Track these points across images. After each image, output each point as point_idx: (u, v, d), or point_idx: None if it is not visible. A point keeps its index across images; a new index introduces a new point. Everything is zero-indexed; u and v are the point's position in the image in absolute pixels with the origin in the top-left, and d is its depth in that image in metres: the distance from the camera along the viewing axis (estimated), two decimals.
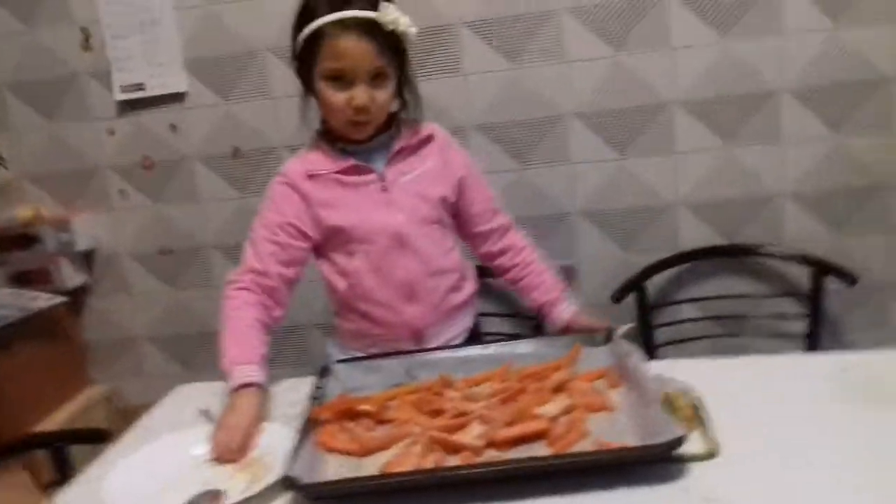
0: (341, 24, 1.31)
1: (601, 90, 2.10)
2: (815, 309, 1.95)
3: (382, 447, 1.09)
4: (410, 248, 1.44)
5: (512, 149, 2.17)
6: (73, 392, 2.40)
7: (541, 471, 0.99)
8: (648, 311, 2.03)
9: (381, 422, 1.17)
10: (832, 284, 1.94)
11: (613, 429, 1.09)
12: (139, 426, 1.35)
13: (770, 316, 2.07)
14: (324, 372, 1.31)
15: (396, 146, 1.45)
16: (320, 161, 1.44)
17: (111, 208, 2.40)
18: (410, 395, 1.23)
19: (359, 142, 1.44)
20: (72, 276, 2.38)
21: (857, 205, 2.09)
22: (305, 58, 1.37)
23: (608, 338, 1.33)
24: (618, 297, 1.98)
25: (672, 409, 1.07)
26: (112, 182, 2.38)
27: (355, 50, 1.32)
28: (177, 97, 2.29)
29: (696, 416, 1.10)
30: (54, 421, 2.24)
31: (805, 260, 1.98)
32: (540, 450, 1.05)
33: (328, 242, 1.45)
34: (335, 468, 1.05)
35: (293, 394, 1.35)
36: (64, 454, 1.46)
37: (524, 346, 1.37)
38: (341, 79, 1.34)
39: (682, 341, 2.09)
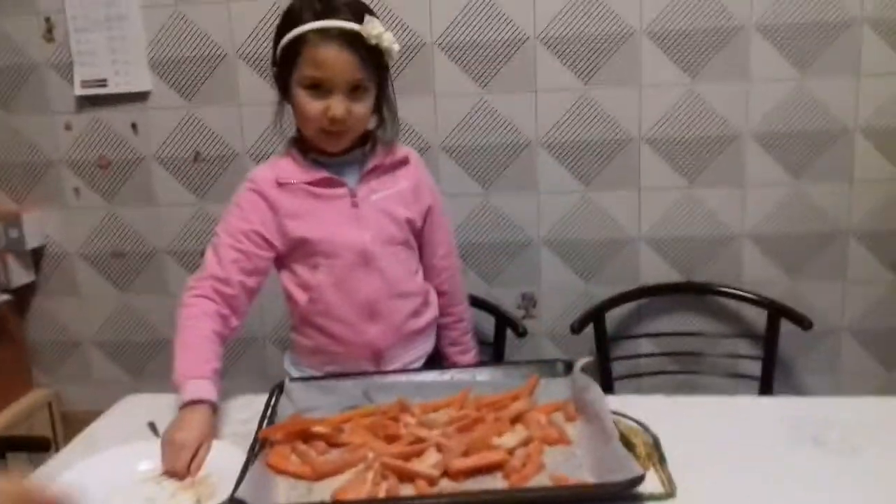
0: (324, 32, 1.30)
1: (568, 121, 2.10)
2: (770, 351, 1.97)
3: (335, 472, 1.06)
4: (375, 267, 1.43)
5: (478, 173, 2.16)
6: (15, 395, 2.32)
7: (497, 503, 0.98)
8: (606, 343, 2.03)
9: (335, 445, 1.15)
10: (787, 327, 1.96)
11: (569, 463, 1.08)
12: (84, 436, 1.30)
13: (725, 355, 2.09)
14: (277, 390, 1.28)
15: (371, 163, 1.44)
16: (291, 170, 1.42)
17: (64, 206, 2.33)
18: (365, 419, 1.21)
19: (332, 154, 1.42)
20: (18, 274, 2.29)
21: (815, 250, 2.12)
22: (285, 64, 1.35)
23: (567, 369, 1.33)
24: (577, 327, 1.97)
25: (629, 447, 1.07)
26: (66, 179, 2.31)
27: (336, 60, 1.31)
28: (139, 96, 2.23)
29: (652, 455, 1.10)
30: None
31: (761, 302, 2.00)
32: (496, 482, 1.04)
33: (292, 253, 1.43)
34: (285, 491, 1.02)
35: (245, 411, 1.31)
36: (2, 461, 1.39)
37: (482, 374, 1.36)
38: (319, 88, 1.33)
39: (637, 375, 2.10)
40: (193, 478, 1.08)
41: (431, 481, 1.02)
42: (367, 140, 1.46)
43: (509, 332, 2.01)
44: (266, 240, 1.40)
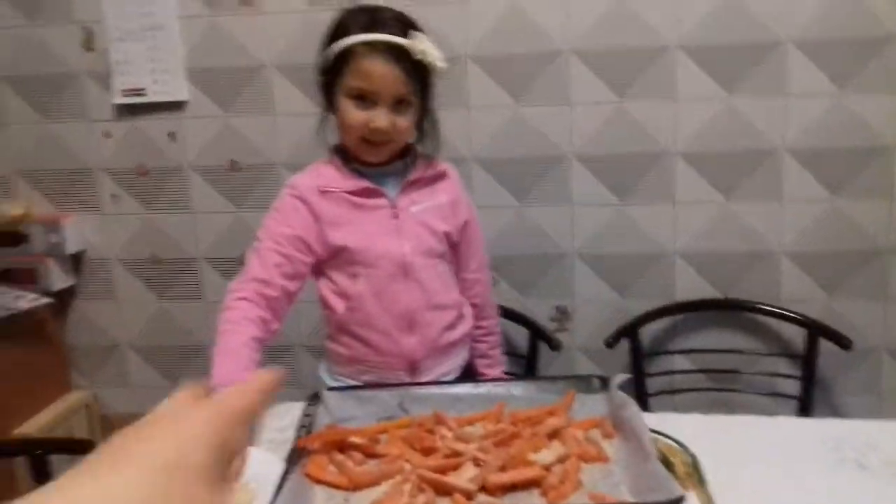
0: (372, 45, 1.32)
1: (603, 134, 2.10)
2: (809, 370, 1.94)
3: (372, 483, 1.06)
4: (414, 279, 1.44)
5: (512, 185, 2.16)
6: (54, 397, 2.35)
7: None
8: (641, 359, 2.01)
9: (371, 455, 1.14)
10: (826, 346, 1.93)
11: (607, 481, 1.07)
12: None
13: (762, 373, 2.06)
14: (313, 399, 1.28)
15: (411, 176, 1.46)
16: (333, 178, 1.43)
17: (103, 212, 2.36)
18: (402, 430, 1.21)
19: (373, 165, 1.43)
20: (59, 278, 2.33)
21: (854, 268, 2.09)
22: (331, 73, 1.37)
23: (603, 386, 1.32)
24: (611, 342, 1.96)
25: (667, 466, 1.05)
26: (105, 185, 2.34)
27: (382, 72, 1.33)
28: (177, 105, 2.26)
29: (692, 475, 1.09)
30: (33, 425, 2.19)
31: (800, 320, 1.97)
32: (533, 498, 1.03)
33: (331, 261, 1.44)
34: (323, 501, 1.02)
35: (281, 419, 1.32)
36: (44, 463, 1.41)
37: (518, 389, 1.35)
38: (364, 99, 1.35)
39: (672, 392, 2.07)
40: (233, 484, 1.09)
41: (469, 496, 1.01)
42: (407, 153, 1.47)
43: (542, 345, 2.00)
44: (307, 245, 1.41)
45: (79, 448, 1.59)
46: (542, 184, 2.15)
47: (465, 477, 1.06)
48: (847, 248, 2.08)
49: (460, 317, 1.54)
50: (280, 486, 0.98)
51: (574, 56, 2.06)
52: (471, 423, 1.25)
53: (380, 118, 1.34)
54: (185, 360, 2.42)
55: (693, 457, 1.13)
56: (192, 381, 0.42)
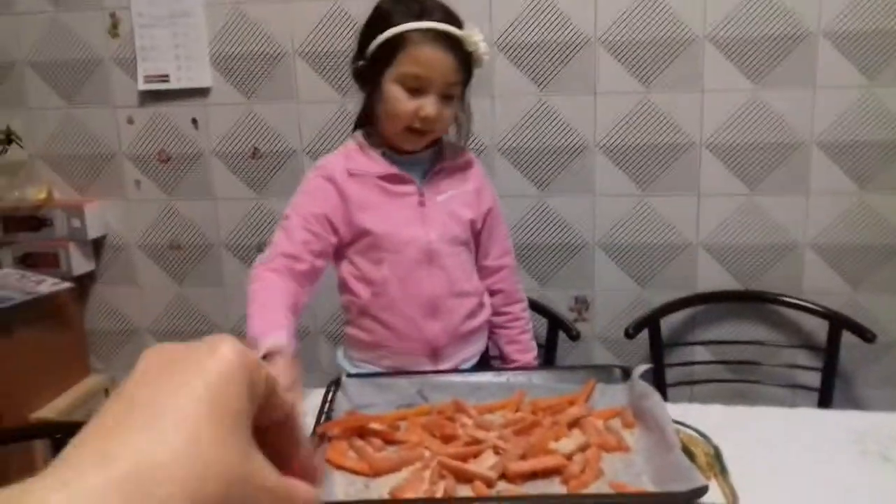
0: (428, 33, 1.33)
1: (627, 124, 2.08)
2: (830, 362, 1.92)
3: (392, 469, 1.06)
4: (438, 266, 1.44)
5: (534, 174, 2.15)
6: (73, 381, 2.36)
7: None
8: (660, 349, 2.00)
9: (391, 442, 1.14)
10: (847, 339, 1.92)
11: (629, 471, 1.06)
12: None
13: (783, 365, 2.05)
14: (333, 386, 1.28)
15: (438, 165, 1.46)
16: (362, 161, 1.43)
17: (125, 198, 2.37)
18: (421, 418, 1.21)
19: (403, 152, 1.43)
20: (80, 263, 2.35)
21: (880, 263, 2.07)
22: (378, 60, 1.37)
23: (625, 376, 1.31)
24: (632, 332, 1.95)
25: (689, 457, 1.05)
26: (128, 171, 2.36)
27: (438, 61, 1.34)
28: (200, 92, 2.27)
29: (713, 465, 1.08)
30: (52, 409, 2.20)
31: (823, 312, 1.95)
32: (553, 486, 1.02)
33: (355, 244, 1.44)
34: (343, 487, 1.03)
35: (301, 405, 1.32)
36: (65, 446, 1.42)
37: (538, 377, 1.35)
38: (416, 87, 1.35)
39: (691, 383, 2.07)
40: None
41: (489, 483, 1.01)
42: (436, 141, 1.48)
43: (561, 335, 1.99)
44: (333, 226, 1.42)
45: None
46: (564, 174, 2.14)
47: (485, 465, 1.05)
48: (873, 241, 2.06)
49: (481, 305, 1.54)
50: None
51: (601, 46, 2.05)
52: (491, 411, 1.25)
53: (429, 106, 1.35)
54: None
55: (715, 447, 1.12)
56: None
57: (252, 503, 0.33)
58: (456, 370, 1.43)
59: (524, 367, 1.58)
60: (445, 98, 1.37)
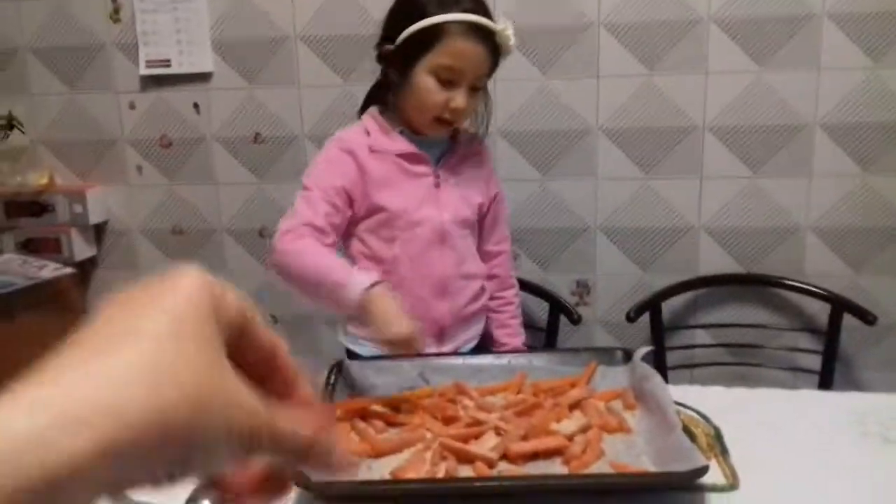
0: (467, 26, 1.33)
1: (631, 108, 2.08)
2: (831, 345, 1.93)
3: (394, 450, 1.07)
4: (449, 246, 1.47)
5: (536, 158, 2.14)
6: None
7: (557, 489, 0.97)
8: (662, 332, 2.01)
9: (393, 424, 1.15)
10: (848, 322, 1.92)
11: (630, 452, 1.07)
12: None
13: (783, 348, 2.06)
14: (335, 369, 1.29)
15: (453, 148, 1.49)
16: (382, 139, 1.44)
17: (126, 183, 2.37)
18: (423, 400, 1.21)
19: (420, 132, 1.45)
20: (82, 249, 2.35)
21: (882, 246, 2.06)
22: (411, 47, 1.36)
23: (626, 358, 1.31)
24: (633, 316, 1.95)
25: (690, 437, 1.05)
26: (129, 157, 2.35)
27: (473, 54, 1.35)
28: (202, 77, 2.26)
29: (714, 446, 1.08)
30: None
31: (824, 295, 1.95)
32: (555, 467, 1.03)
33: (366, 221, 1.44)
34: None
35: None
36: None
37: (539, 360, 1.35)
38: (448, 78, 1.35)
39: (692, 366, 2.07)
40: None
41: (490, 464, 1.02)
42: None
43: (562, 319, 2.00)
44: (351, 199, 1.42)
45: None
46: (566, 157, 2.13)
47: (486, 446, 1.06)
48: (876, 224, 2.05)
49: (483, 288, 1.57)
50: None
51: (604, 28, 2.04)
52: (492, 393, 1.25)
53: (459, 99, 1.36)
54: None
55: (716, 428, 1.12)
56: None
57: (227, 423, 0.31)
58: (457, 352, 1.43)
59: (525, 350, 1.59)
60: (473, 89, 1.39)
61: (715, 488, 0.97)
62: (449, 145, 1.49)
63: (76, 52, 2.30)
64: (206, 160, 2.31)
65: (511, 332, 1.65)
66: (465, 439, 1.08)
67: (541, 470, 1.02)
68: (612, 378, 1.28)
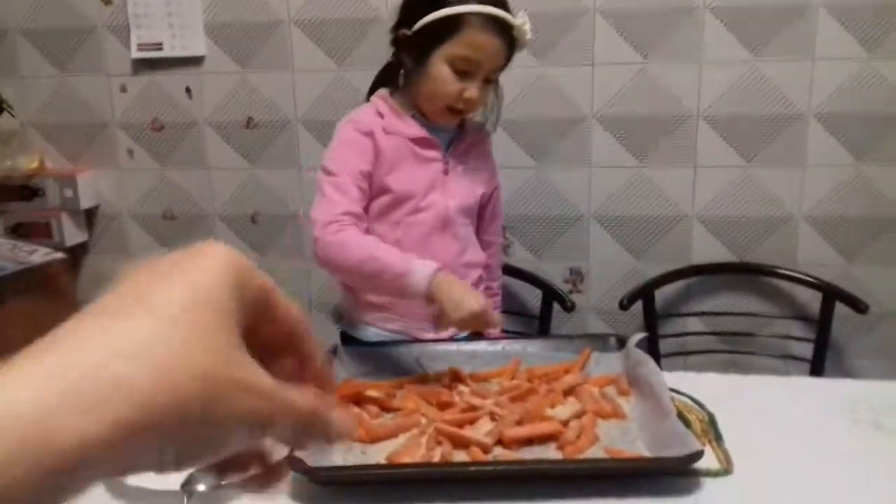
0: (488, 18, 1.33)
1: (624, 95, 2.07)
2: (823, 333, 1.93)
3: (389, 436, 1.07)
4: (451, 234, 1.46)
5: (529, 146, 2.14)
6: None
7: (552, 474, 0.98)
8: (655, 320, 2.01)
9: (388, 409, 1.15)
10: (840, 311, 1.93)
11: (624, 437, 1.07)
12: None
13: (776, 336, 2.07)
14: (331, 354, 1.29)
15: (461, 136, 1.49)
16: (395, 121, 1.43)
17: (118, 167, 2.35)
18: (418, 385, 1.21)
19: (429, 119, 1.45)
20: (73, 233, 2.34)
21: (873, 235, 2.07)
22: (429, 35, 1.35)
23: (620, 344, 1.32)
24: (626, 303, 1.95)
25: (684, 423, 1.06)
26: (121, 140, 2.34)
27: (491, 47, 1.34)
28: (194, 60, 2.24)
29: (708, 432, 1.09)
30: None
31: (816, 284, 1.96)
32: (549, 452, 1.03)
33: (372, 204, 1.43)
34: (341, 453, 1.03)
35: None
36: None
37: (533, 346, 1.36)
38: (465, 69, 1.35)
39: (685, 354, 2.08)
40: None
41: (485, 449, 1.02)
42: None
43: (556, 306, 2.00)
44: (371, 182, 1.41)
45: None
46: (560, 145, 2.13)
47: (481, 431, 1.06)
48: (868, 214, 2.06)
49: (481, 278, 1.57)
50: None
51: (599, 16, 2.03)
52: (486, 379, 1.26)
53: (473, 90, 1.36)
54: None
55: (710, 414, 1.13)
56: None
57: (236, 402, 0.31)
58: (452, 339, 1.43)
59: (506, 336, 1.59)
60: (486, 81, 1.39)
61: (709, 473, 0.98)
62: (456, 133, 1.49)
63: (67, 34, 2.28)
64: (199, 145, 2.30)
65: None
66: (461, 424, 1.08)
67: (535, 455, 1.03)
68: (606, 364, 1.29)
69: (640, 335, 1.31)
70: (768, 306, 2.15)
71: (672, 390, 1.13)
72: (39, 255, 2.21)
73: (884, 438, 1.10)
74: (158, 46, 2.24)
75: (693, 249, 2.15)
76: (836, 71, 1.99)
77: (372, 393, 1.16)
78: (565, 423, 1.08)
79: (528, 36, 1.38)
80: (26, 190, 2.30)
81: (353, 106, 2.10)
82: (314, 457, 0.95)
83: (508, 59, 1.40)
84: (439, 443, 1.04)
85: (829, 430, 1.12)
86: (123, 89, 2.30)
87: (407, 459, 1.00)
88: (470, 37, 1.32)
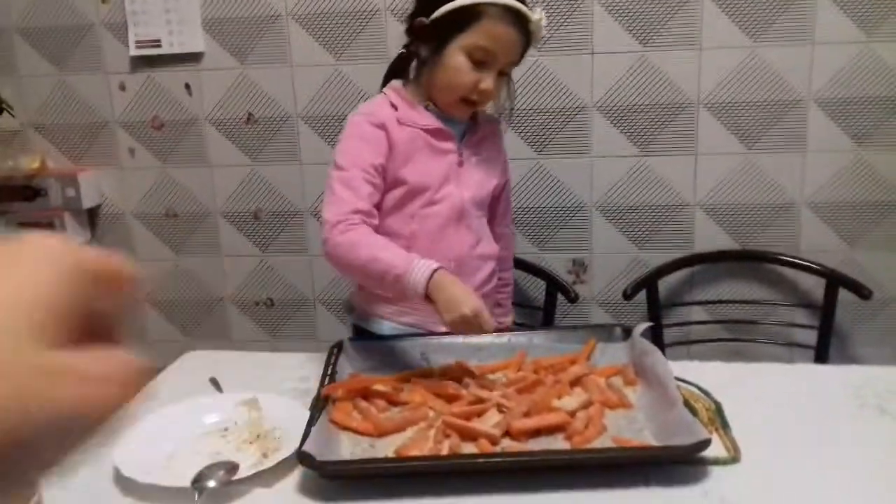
0: (507, 10, 1.33)
1: (625, 84, 2.07)
2: (826, 320, 1.93)
3: (397, 429, 1.07)
4: (465, 226, 1.46)
5: (531, 136, 2.14)
6: None
7: (561, 464, 0.98)
8: (658, 310, 2.01)
9: (395, 403, 1.16)
10: (844, 297, 1.92)
11: (632, 427, 1.08)
12: (147, 391, 1.32)
13: (780, 324, 2.06)
14: (336, 349, 1.29)
15: (475, 128, 1.49)
16: (410, 112, 1.43)
17: (119, 166, 2.35)
18: (425, 379, 1.22)
19: (443, 111, 1.44)
20: (75, 233, 2.34)
21: (877, 221, 2.07)
22: (447, 25, 1.35)
23: (625, 334, 1.32)
24: (630, 293, 1.95)
25: (691, 412, 1.06)
26: (121, 139, 2.33)
27: (509, 39, 1.34)
28: (193, 57, 2.24)
29: (714, 420, 1.09)
30: None
31: (819, 270, 1.96)
32: (557, 443, 1.04)
33: (386, 197, 1.43)
34: (349, 447, 1.04)
35: (301, 369, 1.33)
36: None
37: (539, 338, 1.36)
38: (481, 60, 1.35)
39: (689, 342, 2.08)
40: (260, 430, 1.10)
41: (494, 441, 1.02)
42: None
43: (559, 297, 2.00)
44: (385, 175, 1.41)
45: None
46: (561, 135, 2.13)
47: (489, 423, 1.07)
48: (870, 199, 2.06)
49: (494, 270, 1.56)
50: (307, 432, 0.99)
51: (598, 4, 2.03)
52: (493, 371, 1.26)
53: (489, 81, 1.36)
54: (202, 315, 2.43)
55: (716, 403, 1.13)
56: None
57: (59, 413, 0.29)
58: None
59: (513, 329, 1.59)
60: (500, 74, 1.39)
61: (717, 461, 0.98)
62: (469, 125, 1.49)
63: (64, 32, 2.28)
64: (199, 142, 2.30)
65: (505, 311, 1.67)
66: (468, 417, 1.08)
67: (543, 446, 1.03)
68: (612, 354, 1.29)
69: (646, 324, 1.31)
70: (772, 294, 2.15)
71: (678, 379, 1.14)
72: None
73: (889, 423, 1.10)
74: (157, 43, 2.23)
75: (696, 238, 2.15)
76: (836, 55, 1.98)
77: (379, 387, 1.17)
78: (572, 414, 1.08)
79: (544, 32, 1.38)
80: (28, 190, 2.30)
81: (352, 99, 2.14)
82: (323, 451, 0.95)
83: (523, 53, 1.40)
84: (447, 436, 1.04)
85: (835, 416, 1.13)
86: (122, 87, 2.30)
87: (415, 452, 1.00)
88: (488, 28, 1.32)
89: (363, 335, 1.48)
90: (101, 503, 0.97)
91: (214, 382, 1.28)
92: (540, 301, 2.03)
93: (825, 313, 1.94)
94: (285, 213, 2.30)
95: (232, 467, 0.96)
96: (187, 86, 2.26)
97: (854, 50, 1.97)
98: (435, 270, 1.22)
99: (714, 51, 2.01)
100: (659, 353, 1.19)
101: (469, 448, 1.02)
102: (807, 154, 2.05)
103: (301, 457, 0.94)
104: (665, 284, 2.08)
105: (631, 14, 2.02)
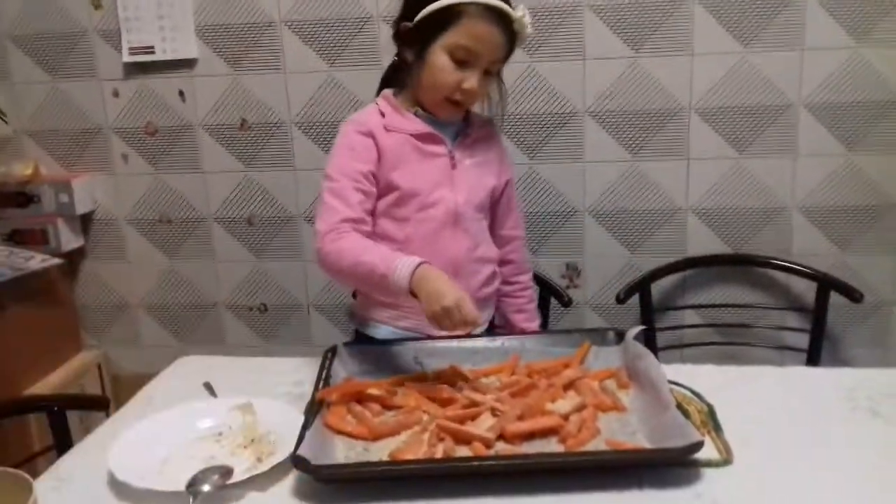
0: (487, 9, 1.34)
1: (617, 90, 2.08)
2: (818, 323, 1.94)
3: (391, 433, 1.08)
4: (462, 229, 1.46)
5: (524, 142, 2.15)
6: (65, 357, 2.35)
7: (555, 467, 0.99)
8: (651, 314, 2.02)
9: (389, 407, 1.16)
10: (835, 300, 1.94)
11: (625, 430, 1.08)
12: (141, 396, 1.32)
13: (772, 327, 2.08)
14: (330, 354, 1.29)
15: (468, 130, 1.49)
16: (397, 119, 1.43)
17: (113, 172, 2.35)
18: (419, 383, 1.22)
19: (433, 114, 1.45)
20: (69, 239, 2.33)
21: (868, 224, 2.09)
22: (428, 26, 1.36)
23: (618, 338, 1.33)
24: (623, 297, 1.96)
25: (684, 415, 1.06)
26: (115, 145, 2.33)
27: (490, 37, 1.35)
28: (186, 63, 2.24)
29: (707, 423, 1.10)
30: (47, 385, 2.20)
31: (811, 274, 1.97)
32: (551, 446, 1.04)
33: (380, 203, 1.44)
34: (344, 451, 1.04)
35: (295, 374, 1.34)
36: (63, 419, 1.42)
37: (532, 342, 1.37)
38: (463, 59, 1.36)
39: (682, 346, 2.09)
40: (254, 435, 1.10)
41: (488, 444, 1.03)
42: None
43: (553, 302, 2.00)
44: (376, 181, 1.42)
45: (96, 404, 1.60)
46: (554, 140, 2.14)
47: (483, 426, 1.07)
48: (861, 203, 2.07)
49: (495, 273, 1.56)
50: (302, 435, 0.99)
51: (589, 10, 2.04)
52: (486, 375, 1.27)
53: (472, 80, 1.36)
54: (197, 320, 2.43)
55: (709, 405, 1.14)
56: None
57: None
58: (452, 336, 1.43)
59: (519, 332, 1.59)
60: (486, 74, 1.39)
61: (709, 464, 0.99)
62: (462, 127, 1.49)
63: (57, 39, 2.27)
64: (193, 148, 2.30)
65: (528, 317, 1.65)
66: (462, 420, 1.09)
67: (537, 449, 1.03)
68: (605, 358, 1.29)
69: (639, 328, 1.32)
70: (764, 297, 2.16)
71: (671, 382, 1.14)
72: (36, 261, 2.21)
73: (881, 425, 1.11)
74: (150, 50, 2.24)
75: (688, 242, 2.16)
76: (826, 60, 2.00)
77: (373, 391, 1.17)
78: (566, 417, 1.09)
79: (528, 29, 1.38)
80: (22, 196, 2.30)
81: (345, 106, 2.14)
82: (318, 455, 0.96)
83: (509, 52, 1.40)
84: (441, 439, 1.04)
85: (827, 418, 1.13)
86: (116, 94, 2.30)
87: (409, 456, 1.00)
88: (469, 26, 1.33)
89: (363, 340, 1.48)
90: None
91: (208, 387, 1.29)
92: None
93: (817, 316, 1.95)
94: (279, 219, 2.30)
95: (226, 472, 0.97)
96: (181, 92, 2.26)
97: (844, 55, 1.99)
98: (419, 265, 1.22)
99: (705, 56, 2.03)
100: (652, 356, 1.20)
101: (463, 451, 1.03)
102: (798, 158, 2.07)
103: (296, 461, 0.94)
104: (658, 288, 2.09)
105: (623, 20, 2.03)
